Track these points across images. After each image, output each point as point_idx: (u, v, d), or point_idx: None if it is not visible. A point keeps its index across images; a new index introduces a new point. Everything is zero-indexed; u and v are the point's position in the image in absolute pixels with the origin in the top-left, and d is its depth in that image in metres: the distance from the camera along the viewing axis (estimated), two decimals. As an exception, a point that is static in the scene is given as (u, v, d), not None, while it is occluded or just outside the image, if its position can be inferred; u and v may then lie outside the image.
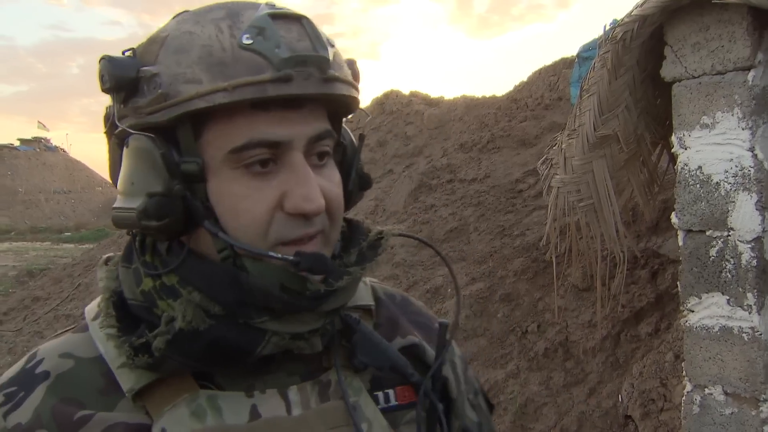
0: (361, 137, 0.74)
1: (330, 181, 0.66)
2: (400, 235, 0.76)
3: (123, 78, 0.61)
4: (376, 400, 0.71)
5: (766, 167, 2.13)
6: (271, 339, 0.63)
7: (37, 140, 56.09)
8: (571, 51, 4.69)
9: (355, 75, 0.68)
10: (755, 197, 2.11)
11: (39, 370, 0.65)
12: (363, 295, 0.77)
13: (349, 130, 0.74)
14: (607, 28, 2.45)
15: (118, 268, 0.69)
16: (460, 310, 0.80)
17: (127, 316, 0.65)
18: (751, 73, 2.11)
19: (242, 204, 0.61)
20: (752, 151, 2.12)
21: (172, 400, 0.63)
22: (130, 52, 0.63)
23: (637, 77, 2.48)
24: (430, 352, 0.76)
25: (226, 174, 0.62)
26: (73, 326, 0.71)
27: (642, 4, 2.26)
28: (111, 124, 0.65)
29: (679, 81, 2.29)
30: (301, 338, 0.65)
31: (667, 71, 2.32)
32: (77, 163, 57.59)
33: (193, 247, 0.64)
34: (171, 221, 0.61)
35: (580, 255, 3.15)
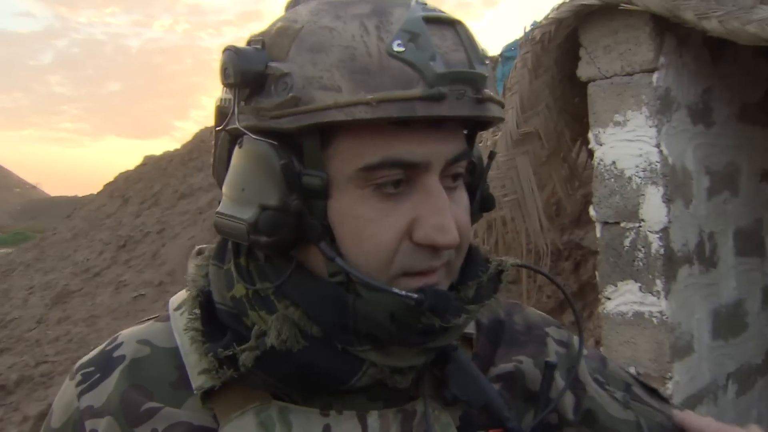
0: (492, 155, 0.67)
1: (460, 206, 0.59)
2: (520, 266, 0.69)
3: (250, 73, 0.54)
4: None
5: (670, 162, 2.29)
6: (368, 371, 0.58)
7: (-54, 139, 52.77)
8: (499, 49, 4.83)
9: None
10: (662, 190, 2.27)
11: (117, 353, 0.64)
12: None
13: (478, 145, 0.65)
14: (527, 29, 2.56)
15: (209, 264, 0.63)
16: (582, 345, 0.70)
17: (213, 319, 0.61)
18: (655, 75, 2.26)
19: (368, 229, 0.55)
20: (658, 148, 2.27)
21: (242, 407, 0.59)
22: (260, 43, 0.56)
23: (555, 77, 2.61)
24: (534, 375, 0.67)
25: (353, 192, 0.55)
26: (157, 315, 0.68)
27: (558, 8, 2.38)
28: (228, 120, 0.58)
29: (594, 81, 2.43)
30: (400, 373, 0.60)
31: (583, 71, 2.45)
32: (-8, 163, 54.60)
33: (301, 260, 0.58)
34: (282, 238, 0.55)
35: (508, 248, 3.27)
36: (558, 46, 2.51)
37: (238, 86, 0.55)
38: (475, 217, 0.64)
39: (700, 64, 2.45)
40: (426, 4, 0.55)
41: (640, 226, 2.33)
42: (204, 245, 0.68)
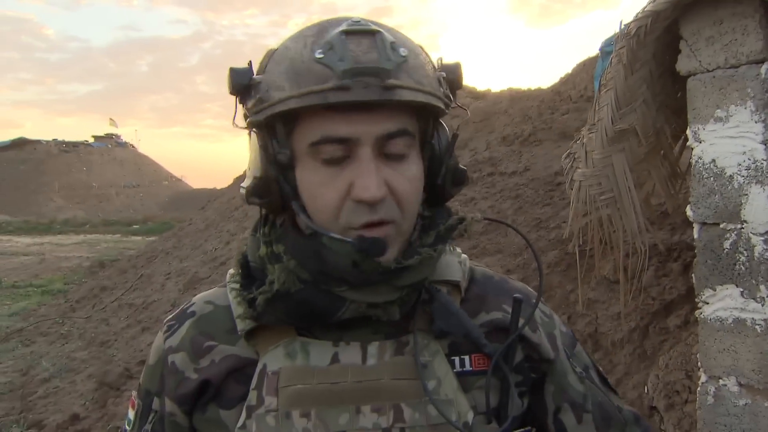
0: (455, 136, 0.81)
1: (403, 175, 0.73)
2: (485, 219, 0.84)
3: (239, 85, 0.75)
4: (452, 364, 0.78)
5: (777, 160, 2.13)
6: (350, 306, 0.74)
7: (108, 137, 58.76)
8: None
9: (455, 79, 0.78)
10: None
11: (190, 310, 0.86)
12: (453, 272, 0.83)
13: (445, 128, 0.80)
14: (623, 24, 2.48)
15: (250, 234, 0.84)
16: (542, 289, 0.85)
17: (249, 275, 0.80)
18: (764, 66, 2.11)
19: (318, 190, 0.72)
20: (765, 144, 2.12)
21: (275, 343, 0.77)
22: (249, 64, 0.77)
23: (654, 71, 2.50)
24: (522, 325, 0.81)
25: (309, 164, 0.73)
26: (223, 283, 0.89)
27: (654, 0, 2.28)
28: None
29: (694, 75, 2.30)
30: (377, 307, 0.75)
31: (683, 65, 2.33)
32: (145, 158, 59.94)
33: (297, 222, 0.78)
34: (270, 200, 0.75)
35: (611, 247, 3.18)
36: (656, 39, 2.41)
37: (234, 94, 0.76)
38: (447, 189, 0.80)
39: (819, 52, 2.25)
40: (360, 20, 0.73)
41: (742, 228, 2.19)
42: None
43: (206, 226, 9.28)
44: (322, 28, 0.73)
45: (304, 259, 0.74)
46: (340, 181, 0.71)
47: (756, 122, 2.14)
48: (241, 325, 0.79)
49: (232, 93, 0.76)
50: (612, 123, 2.56)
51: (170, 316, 0.88)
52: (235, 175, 13.91)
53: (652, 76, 2.48)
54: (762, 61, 2.13)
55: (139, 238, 22.16)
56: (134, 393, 0.89)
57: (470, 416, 0.76)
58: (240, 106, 0.78)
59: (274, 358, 0.77)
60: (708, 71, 2.26)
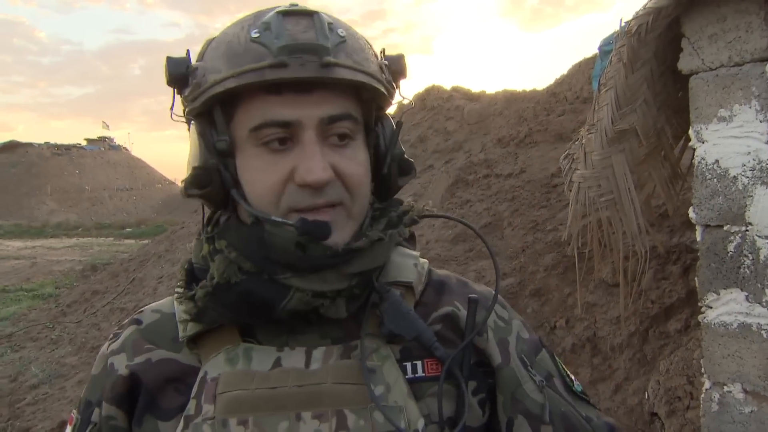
0: (399, 124, 0.80)
1: (349, 159, 0.72)
2: (425, 216, 0.82)
3: (176, 74, 0.72)
4: (404, 370, 0.74)
5: (783, 160, 2.07)
6: (294, 295, 0.70)
7: (102, 140, 58.44)
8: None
9: (399, 69, 0.77)
10: (773, 191, 2.06)
11: (136, 318, 0.83)
12: (406, 273, 0.80)
13: (389, 119, 0.80)
14: (624, 22, 2.43)
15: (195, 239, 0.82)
16: (499, 286, 0.80)
17: (193, 278, 0.77)
18: (769, 64, 2.05)
19: (259, 176, 0.71)
20: (770, 144, 2.06)
21: (218, 349, 0.74)
22: (186, 53, 0.75)
23: (655, 70, 2.44)
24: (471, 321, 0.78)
25: (249, 150, 0.71)
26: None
27: (656, -3, 2.23)
28: (180, 112, 0.78)
29: (696, 73, 2.25)
30: (323, 297, 0.71)
31: (685, 64, 2.28)
32: (138, 161, 59.59)
33: (239, 215, 0.76)
34: (210, 191, 0.72)
35: (610, 250, 3.12)
36: (657, 38, 2.35)
37: (172, 84, 0.74)
38: (392, 179, 0.79)
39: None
40: (297, 5, 0.71)
41: (747, 230, 2.13)
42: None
43: (199, 229, 9.19)
44: (259, 13, 0.72)
45: (247, 248, 0.71)
46: (283, 165, 0.70)
47: (761, 122, 2.09)
48: (183, 332, 0.75)
49: (169, 83, 0.74)
50: (612, 123, 2.50)
51: (119, 327, 0.84)
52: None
53: (653, 75, 2.43)
54: (767, 59, 2.08)
55: (132, 241, 21.97)
56: (74, 410, 0.83)
57: (420, 424, 0.71)
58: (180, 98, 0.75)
59: (215, 365, 0.73)
60: (711, 70, 2.21)
